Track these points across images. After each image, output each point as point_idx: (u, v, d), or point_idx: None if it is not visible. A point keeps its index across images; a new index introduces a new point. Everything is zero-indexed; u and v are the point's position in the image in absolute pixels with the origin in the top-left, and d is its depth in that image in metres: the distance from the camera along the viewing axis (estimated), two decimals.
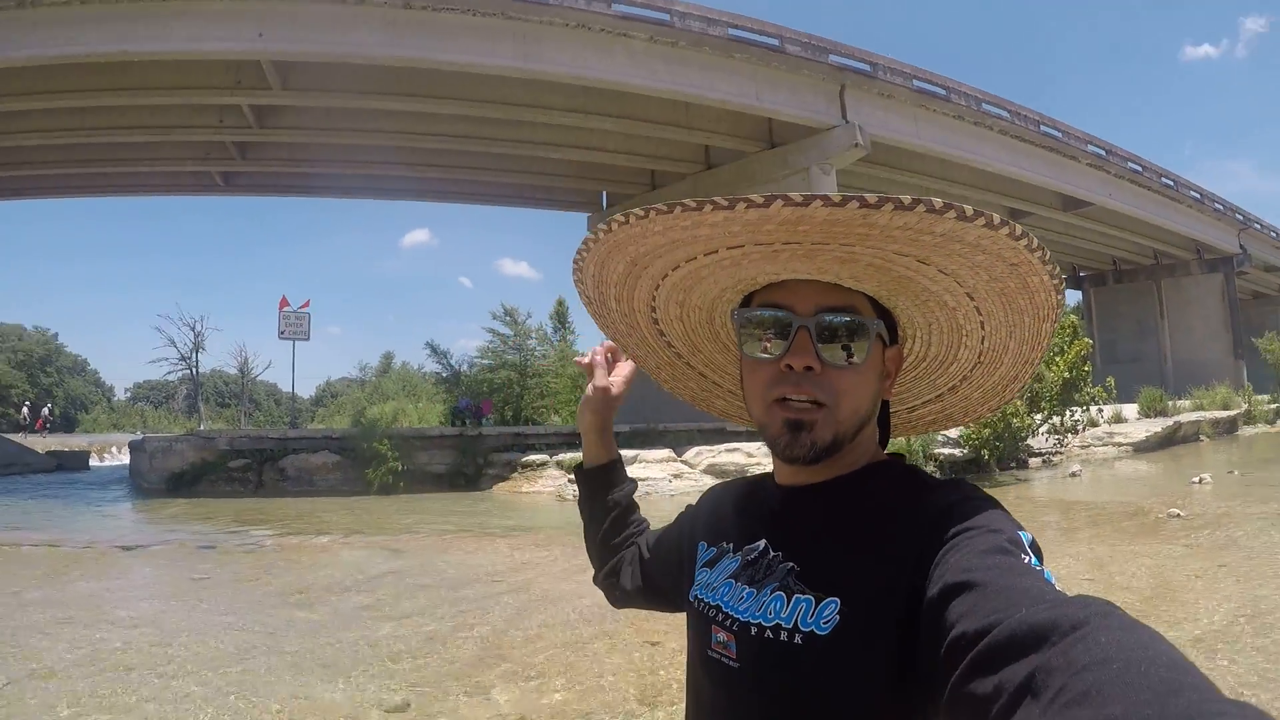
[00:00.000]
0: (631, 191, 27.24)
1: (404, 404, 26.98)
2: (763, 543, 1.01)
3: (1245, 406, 26.94)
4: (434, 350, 33.57)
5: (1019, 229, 0.83)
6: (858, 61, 22.00)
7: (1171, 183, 35.08)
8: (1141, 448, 20.03)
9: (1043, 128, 27.47)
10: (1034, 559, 0.76)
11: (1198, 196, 37.13)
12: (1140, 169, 32.87)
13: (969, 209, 0.79)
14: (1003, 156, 26.25)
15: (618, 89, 19.02)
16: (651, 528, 1.45)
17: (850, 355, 0.95)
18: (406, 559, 9.45)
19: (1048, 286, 0.92)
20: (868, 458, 1.04)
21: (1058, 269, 0.90)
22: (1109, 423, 21.54)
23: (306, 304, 24.67)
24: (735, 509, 1.13)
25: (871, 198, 0.77)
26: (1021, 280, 0.91)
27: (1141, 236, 37.54)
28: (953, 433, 16.90)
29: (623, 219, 0.93)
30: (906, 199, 0.77)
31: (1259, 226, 42.97)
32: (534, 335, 33.72)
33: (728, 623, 0.99)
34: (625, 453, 15.57)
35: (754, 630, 0.94)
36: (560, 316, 40.49)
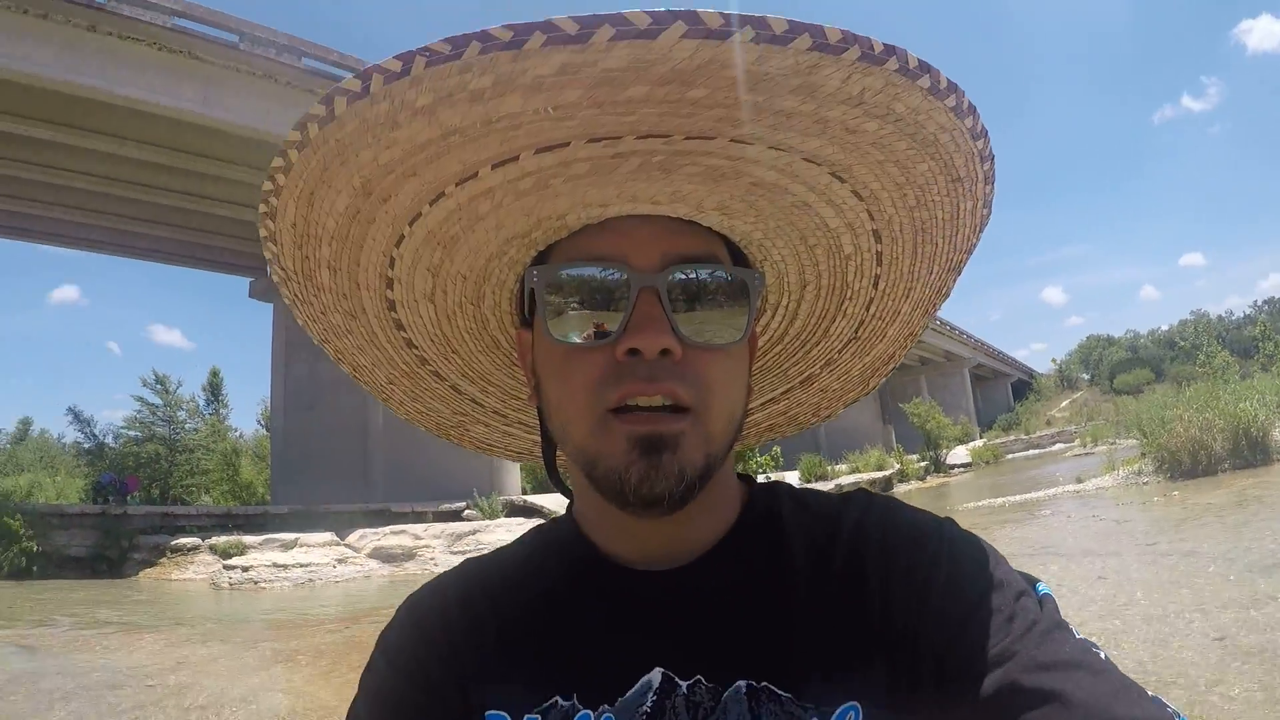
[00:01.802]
0: None
1: (41, 477, 24.59)
2: (657, 674, 0.72)
3: (897, 466, 30.45)
4: (76, 417, 31.53)
5: (980, 122, 0.66)
6: None
7: None
8: None
9: None
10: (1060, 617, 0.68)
11: None
12: None
13: (943, 76, 0.61)
14: None
15: None
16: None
17: (723, 330, 0.72)
18: (43, 658, 8.49)
19: (978, 218, 0.78)
20: (736, 490, 0.83)
21: (993, 191, 0.75)
22: None
23: None
24: (550, 634, 0.78)
25: (832, 32, 0.55)
26: (955, 206, 0.75)
27: None
28: None
29: (358, 88, 0.58)
30: (877, 45, 0.56)
31: None
32: (185, 407, 33.09)
33: None
34: (284, 536, 14.87)
35: None
36: (214, 389, 39.35)
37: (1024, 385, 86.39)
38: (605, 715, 0.71)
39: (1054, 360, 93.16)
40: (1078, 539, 11.03)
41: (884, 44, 0.56)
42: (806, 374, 0.95)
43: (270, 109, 17.98)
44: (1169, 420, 16.19)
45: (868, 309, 0.86)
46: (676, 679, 0.71)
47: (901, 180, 0.70)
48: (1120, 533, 10.93)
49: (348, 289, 0.80)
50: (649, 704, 0.71)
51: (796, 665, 0.70)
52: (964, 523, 0.77)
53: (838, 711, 0.68)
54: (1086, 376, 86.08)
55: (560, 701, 0.73)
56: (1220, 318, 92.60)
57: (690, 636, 0.73)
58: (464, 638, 0.79)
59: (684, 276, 0.71)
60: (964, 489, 25.81)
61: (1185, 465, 15.55)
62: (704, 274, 0.72)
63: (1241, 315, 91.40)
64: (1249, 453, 15.19)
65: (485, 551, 0.90)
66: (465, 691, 0.77)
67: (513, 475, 24.45)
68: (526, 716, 0.73)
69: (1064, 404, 73.46)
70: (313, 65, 18.45)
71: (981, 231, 0.80)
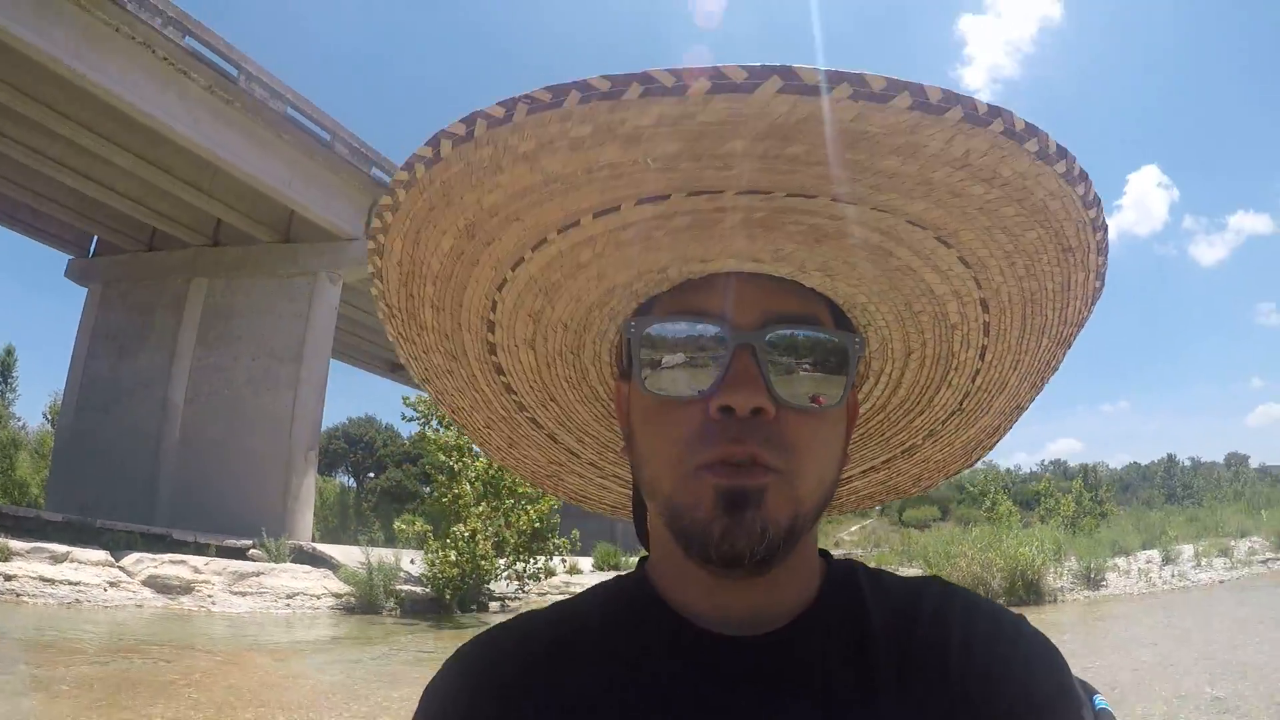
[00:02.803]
0: (126, 246, 26.27)
1: None
2: None
3: None
4: None
5: (1093, 190, 0.64)
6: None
7: None
8: None
9: None
10: None
11: None
12: None
13: (1052, 140, 0.59)
14: None
15: (154, 128, 18.57)
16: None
17: (819, 393, 0.71)
18: None
19: (1089, 291, 0.76)
20: (818, 560, 0.81)
21: (1105, 263, 0.74)
22: (568, 572, 23.89)
23: None
24: (621, 699, 0.73)
25: (933, 91, 0.54)
26: (1066, 277, 0.73)
27: None
28: (415, 568, 17.33)
29: (462, 131, 0.60)
30: (981, 106, 0.56)
31: None
32: None
33: None
34: (55, 548, 13.75)
35: None
36: (4, 368, 36.48)
37: None
38: None
39: None
40: None
41: (989, 105, 0.56)
42: (909, 444, 0.94)
43: (140, 81, 17.44)
44: (954, 555, 17.86)
45: (973, 380, 0.84)
46: None
47: (1010, 248, 0.69)
48: None
49: (450, 329, 0.82)
50: None
51: None
52: None
53: None
54: (878, 507, 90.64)
55: None
56: (1009, 470, 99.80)
57: (775, 707, 0.70)
58: (520, 700, 0.74)
59: (783, 336, 0.70)
60: None
61: None
62: (804, 335, 0.71)
63: (1028, 471, 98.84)
64: (1024, 592, 16.74)
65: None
66: None
67: (304, 520, 23.61)
68: None
69: (854, 528, 76.89)
70: (194, 46, 18.13)
71: (1094, 305, 0.78)
